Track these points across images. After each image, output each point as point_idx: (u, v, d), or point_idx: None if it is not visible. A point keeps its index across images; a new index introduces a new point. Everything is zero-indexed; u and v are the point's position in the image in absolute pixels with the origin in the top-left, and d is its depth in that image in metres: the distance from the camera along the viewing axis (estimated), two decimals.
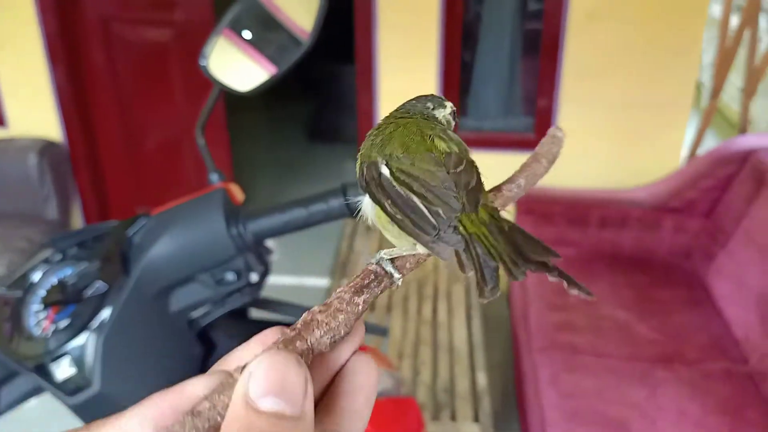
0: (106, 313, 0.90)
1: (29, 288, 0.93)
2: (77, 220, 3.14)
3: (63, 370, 0.83)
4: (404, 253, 0.38)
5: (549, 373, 1.87)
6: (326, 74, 4.11)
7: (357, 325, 0.32)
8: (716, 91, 2.46)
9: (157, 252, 0.93)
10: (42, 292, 0.92)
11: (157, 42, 2.90)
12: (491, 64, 2.72)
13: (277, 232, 0.94)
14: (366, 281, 0.34)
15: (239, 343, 1.05)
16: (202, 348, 1.01)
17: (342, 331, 0.31)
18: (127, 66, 2.97)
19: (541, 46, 2.59)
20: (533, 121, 2.73)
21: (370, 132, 0.40)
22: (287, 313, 1.12)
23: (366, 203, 0.39)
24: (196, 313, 0.99)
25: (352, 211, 0.91)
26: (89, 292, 0.90)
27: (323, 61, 3.68)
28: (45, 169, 2.85)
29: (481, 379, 1.82)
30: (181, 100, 2.98)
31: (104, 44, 2.92)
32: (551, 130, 0.51)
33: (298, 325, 0.30)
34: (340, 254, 2.43)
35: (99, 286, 0.90)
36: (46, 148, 2.88)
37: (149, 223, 0.96)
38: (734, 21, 2.50)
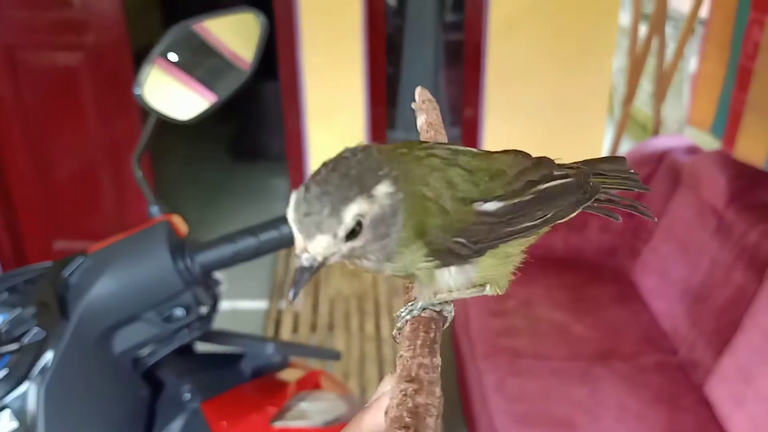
0: (46, 360, 0.85)
1: None
2: None
3: (3, 424, 0.79)
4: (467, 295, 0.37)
5: (494, 379, 1.89)
6: (247, 91, 4.04)
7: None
8: (629, 97, 2.58)
9: (98, 292, 0.88)
10: None
11: (67, 67, 2.77)
12: (416, 76, 2.76)
13: (226, 264, 0.91)
14: (432, 334, 0.30)
15: (189, 381, 1.01)
16: (149, 388, 0.97)
17: (439, 401, 0.28)
18: (36, 93, 2.82)
19: (464, 56, 2.64)
20: (460, 131, 2.78)
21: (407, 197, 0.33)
22: (234, 344, 1.09)
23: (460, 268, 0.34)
24: (142, 353, 0.95)
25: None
26: (26, 340, 0.85)
27: None
28: None
29: None
30: (94, 125, 2.85)
31: (9, 73, 2.76)
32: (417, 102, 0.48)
33: (406, 418, 0.26)
34: (276, 275, 2.38)
35: (36, 332, 0.85)
36: None
37: (87, 262, 0.91)
38: (643, 29, 2.63)
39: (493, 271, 0.34)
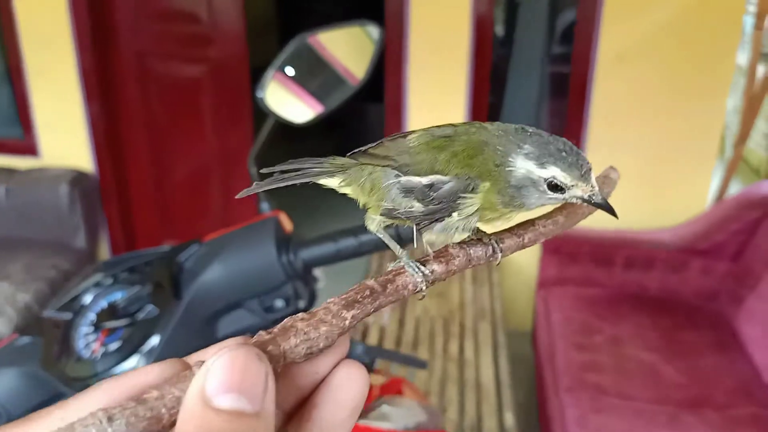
0: (156, 338, 0.91)
1: (80, 310, 0.94)
2: (104, 251, 3.18)
3: None
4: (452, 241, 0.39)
5: (576, 414, 1.85)
6: (351, 112, 4.19)
7: (341, 339, 0.30)
8: (743, 137, 2.48)
9: (209, 278, 0.95)
10: (92, 315, 0.93)
11: (191, 77, 2.98)
12: (518, 106, 2.76)
13: (327, 261, 0.95)
14: (359, 296, 0.32)
15: None
16: None
17: (321, 344, 0.29)
18: (160, 100, 3.04)
19: (569, 88, 2.63)
20: None
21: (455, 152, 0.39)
22: None
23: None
24: None
25: (403, 240, 0.93)
26: (140, 316, 0.92)
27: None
28: (75, 199, 2.90)
29: (509, 419, 1.81)
30: (210, 134, 3.04)
31: (139, 79, 3.00)
32: (605, 170, 0.49)
33: (275, 330, 0.29)
34: (369, 275, 2.44)
35: (150, 310, 0.92)
36: (78, 178, 2.94)
37: (201, 249, 0.98)
38: (761, 70, 2.53)
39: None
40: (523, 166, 0.38)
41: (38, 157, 3.06)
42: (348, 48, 1.11)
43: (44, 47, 2.88)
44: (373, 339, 2.14)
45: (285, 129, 1.07)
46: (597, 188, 0.39)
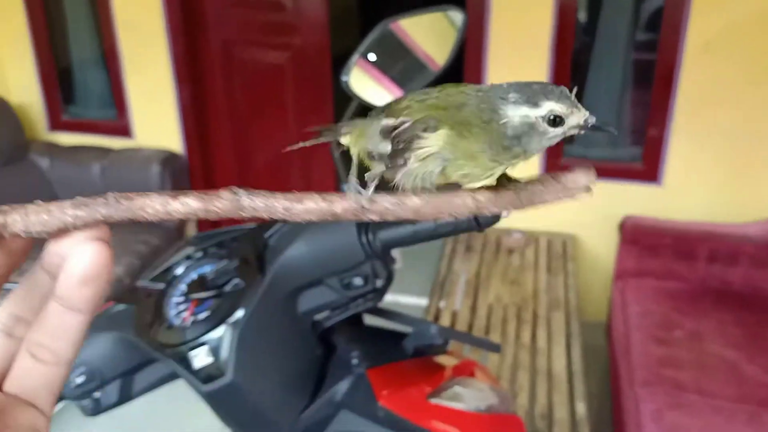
0: (241, 310, 0.97)
1: (172, 281, 1.00)
2: (191, 228, 3.33)
3: (200, 359, 0.88)
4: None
5: (652, 409, 1.82)
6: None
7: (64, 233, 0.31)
8: None
9: (291, 254, 0.99)
10: (183, 286, 0.99)
11: (274, 64, 3.07)
12: (600, 94, 2.70)
13: (405, 242, 0.98)
14: (92, 202, 0.32)
15: (357, 348, 1.10)
16: (323, 349, 1.07)
17: (38, 228, 0.30)
18: (245, 86, 3.15)
19: (654, 77, 2.55)
20: (641, 150, 2.68)
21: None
22: (400, 322, 1.17)
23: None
24: (320, 316, 1.05)
25: (480, 225, 0.95)
26: (228, 288, 0.97)
27: None
28: (166, 178, 3.05)
29: (581, 408, 1.80)
30: (292, 120, 3.13)
31: (225, 66, 3.11)
32: (574, 176, 0.39)
33: (10, 207, 0.31)
34: (439, 274, 2.47)
35: (237, 283, 0.97)
36: (168, 158, 3.09)
37: (284, 227, 1.03)
38: None
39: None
40: (516, 113, 0.38)
41: (131, 138, 3.23)
42: (430, 33, 1.12)
43: (138, 34, 3.03)
44: (444, 322, 2.17)
45: (367, 113, 1.10)
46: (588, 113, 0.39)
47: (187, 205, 0.33)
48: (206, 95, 3.19)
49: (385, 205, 0.35)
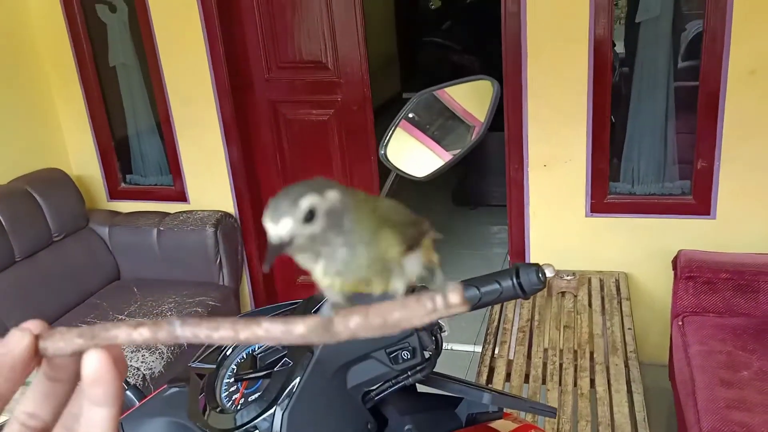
0: (291, 388, 0.98)
1: (222, 361, 1.03)
2: (246, 288, 3.41)
3: None
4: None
5: None
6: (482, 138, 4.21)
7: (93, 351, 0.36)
8: None
9: None
10: (233, 366, 1.02)
11: (318, 120, 3.16)
12: (644, 126, 2.68)
13: None
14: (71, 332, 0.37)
15: (411, 420, 1.11)
16: (375, 422, 1.08)
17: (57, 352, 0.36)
18: (291, 143, 3.25)
19: (698, 106, 2.52)
20: (690, 183, 2.63)
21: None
22: (453, 390, 1.17)
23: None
24: (370, 389, 1.06)
25: (525, 292, 0.96)
26: (277, 367, 0.99)
27: None
28: (219, 239, 3.14)
29: None
30: (338, 173, 3.20)
31: (272, 125, 3.22)
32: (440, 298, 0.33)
33: (48, 332, 0.37)
34: (492, 320, 2.45)
35: (285, 361, 0.99)
36: (221, 219, 3.19)
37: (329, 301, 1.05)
38: None
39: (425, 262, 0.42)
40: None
41: (187, 203, 3.35)
42: (467, 101, 1.14)
43: (189, 101, 3.17)
44: (500, 374, 2.15)
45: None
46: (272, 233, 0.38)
47: (143, 335, 0.37)
48: (255, 155, 3.30)
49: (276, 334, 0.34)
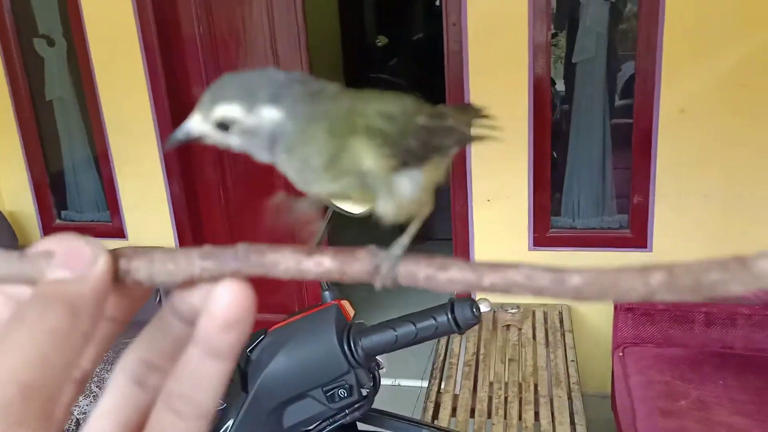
0: (225, 429, 0.95)
1: None
2: None
3: None
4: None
5: None
6: None
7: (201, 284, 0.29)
8: None
9: (273, 369, 0.99)
10: None
11: None
12: (582, 161, 2.75)
13: (386, 350, 0.98)
14: (222, 253, 0.30)
15: None
16: None
17: (162, 278, 0.29)
18: (236, 180, 3.20)
19: (633, 142, 2.61)
20: (627, 217, 2.70)
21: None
22: (392, 428, 1.15)
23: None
24: (308, 429, 1.04)
25: (460, 328, 0.95)
26: None
27: None
28: None
29: None
30: (283, 210, 3.16)
31: (216, 159, 3.18)
32: None
33: (134, 249, 0.30)
34: (438, 356, 2.44)
35: (219, 402, 0.96)
36: None
37: (266, 339, 1.03)
38: None
39: (429, 183, 0.35)
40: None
41: (125, 239, 3.25)
42: None
43: (128, 135, 3.10)
44: (446, 409, 2.13)
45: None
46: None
47: (321, 264, 0.30)
48: (198, 190, 3.24)
49: (543, 283, 0.28)
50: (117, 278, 0.28)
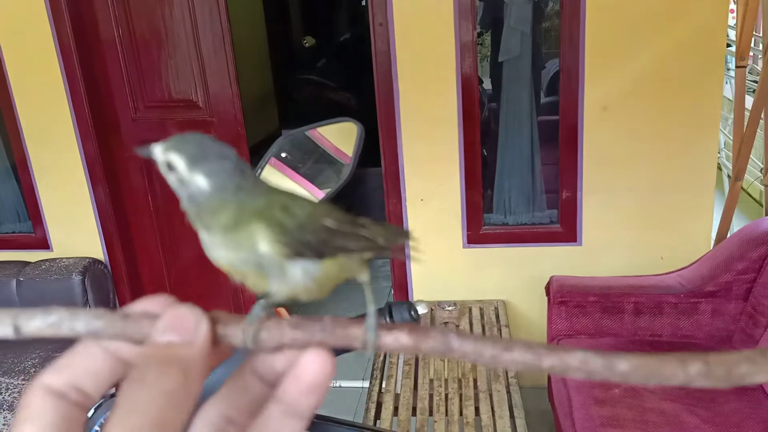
0: None
1: (91, 417, 0.95)
2: None
3: None
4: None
5: None
6: (355, 176, 4.26)
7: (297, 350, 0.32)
8: (739, 174, 2.50)
9: (208, 384, 0.96)
10: (96, 428, 0.94)
11: None
12: (512, 158, 2.80)
13: None
14: (310, 325, 0.32)
15: None
16: None
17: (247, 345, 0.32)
18: (164, 183, 3.08)
19: (559, 139, 2.67)
20: (557, 213, 2.77)
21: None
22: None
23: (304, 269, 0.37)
24: None
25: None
26: None
27: None
28: (88, 287, 2.94)
29: None
30: None
31: (142, 165, 3.08)
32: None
33: (223, 316, 0.33)
34: (377, 356, 2.44)
35: None
36: (89, 266, 2.99)
37: None
38: (750, 101, 2.56)
39: (326, 276, 0.38)
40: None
41: (50, 251, 3.11)
42: (335, 140, 1.14)
43: (48, 143, 2.97)
44: (388, 409, 2.13)
45: None
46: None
47: (398, 341, 0.32)
48: (125, 198, 3.14)
49: (595, 368, 0.31)
50: (215, 341, 0.31)
